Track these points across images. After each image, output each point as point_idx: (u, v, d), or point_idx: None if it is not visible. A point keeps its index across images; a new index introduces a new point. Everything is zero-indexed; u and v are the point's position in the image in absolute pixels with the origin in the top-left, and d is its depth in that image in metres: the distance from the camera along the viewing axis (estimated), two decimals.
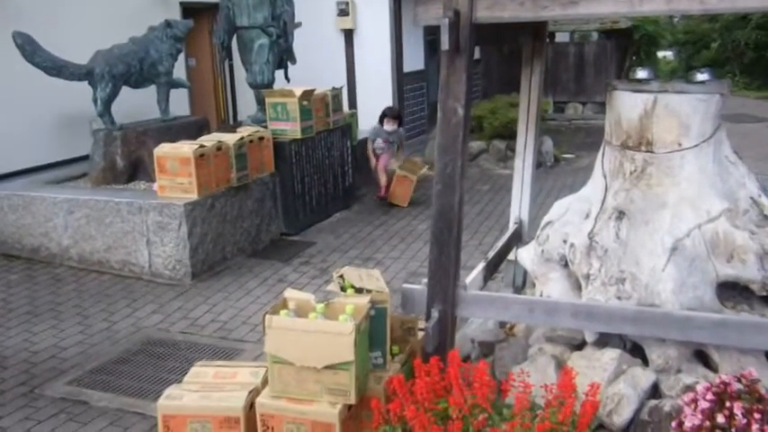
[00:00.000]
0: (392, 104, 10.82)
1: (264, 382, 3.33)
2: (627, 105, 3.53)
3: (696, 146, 3.45)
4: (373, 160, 9.02)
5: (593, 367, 3.44)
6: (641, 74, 3.68)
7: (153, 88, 7.76)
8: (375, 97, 11.26)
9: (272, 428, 3.19)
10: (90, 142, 7.49)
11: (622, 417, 3.24)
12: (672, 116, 3.42)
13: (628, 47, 16.33)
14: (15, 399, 4.34)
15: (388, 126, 8.93)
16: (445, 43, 3.17)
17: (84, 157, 7.66)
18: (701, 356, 3.47)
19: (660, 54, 16.65)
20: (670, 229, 3.39)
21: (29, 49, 6.89)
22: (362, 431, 3.33)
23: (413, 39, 12.00)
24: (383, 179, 8.97)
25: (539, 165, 4.74)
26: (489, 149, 10.97)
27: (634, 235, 3.48)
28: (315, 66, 9.51)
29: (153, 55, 7.52)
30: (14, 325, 5.42)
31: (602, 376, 3.36)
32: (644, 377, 3.36)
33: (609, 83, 3.73)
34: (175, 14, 9.81)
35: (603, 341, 3.60)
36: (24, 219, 6.82)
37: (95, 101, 7.24)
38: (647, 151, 3.50)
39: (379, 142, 8.94)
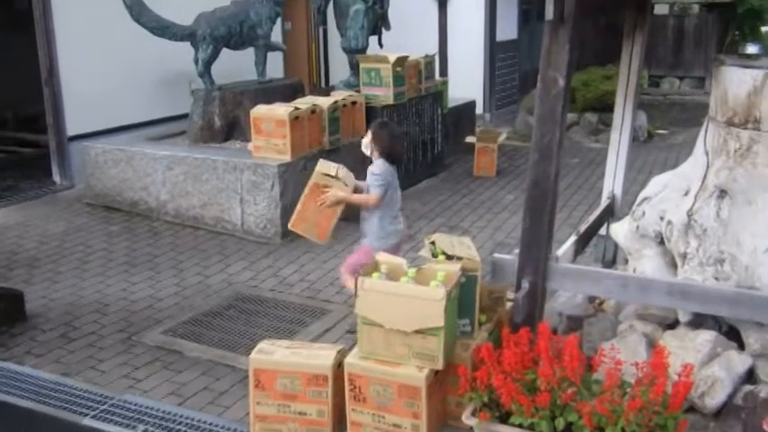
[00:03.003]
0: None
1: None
2: (734, 81, 3.40)
3: None
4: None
5: (686, 348, 3.38)
6: (751, 49, 3.52)
7: (250, 50, 7.92)
8: (467, 66, 11.18)
9: (359, 388, 3.27)
10: (188, 101, 7.73)
11: (715, 400, 3.17)
12: None
13: (730, 21, 15.53)
14: (114, 344, 4.57)
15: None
16: (549, 13, 3.12)
17: (183, 116, 7.91)
18: None
19: (764, 29, 15.67)
20: None
21: (136, 9, 7.13)
22: (447, 397, 3.38)
23: (507, 8, 11.79)
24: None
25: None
26: (581, 122, 10.69)
27: (736, 215, 3.36)
28: (408, 32, 9.49)
29: (253, 18, 7.66)
30: (114, 274, 5.70)
31: (696, 358, 3.29)
32: (739, 361, 3.28)
33: (716, 57, 3.60)
34: None
35: (697, 322, 3.52)
36: (125, 173, 7.13)
37: (196, 61, 7.45)
38: (754, 129, 3.36)
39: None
